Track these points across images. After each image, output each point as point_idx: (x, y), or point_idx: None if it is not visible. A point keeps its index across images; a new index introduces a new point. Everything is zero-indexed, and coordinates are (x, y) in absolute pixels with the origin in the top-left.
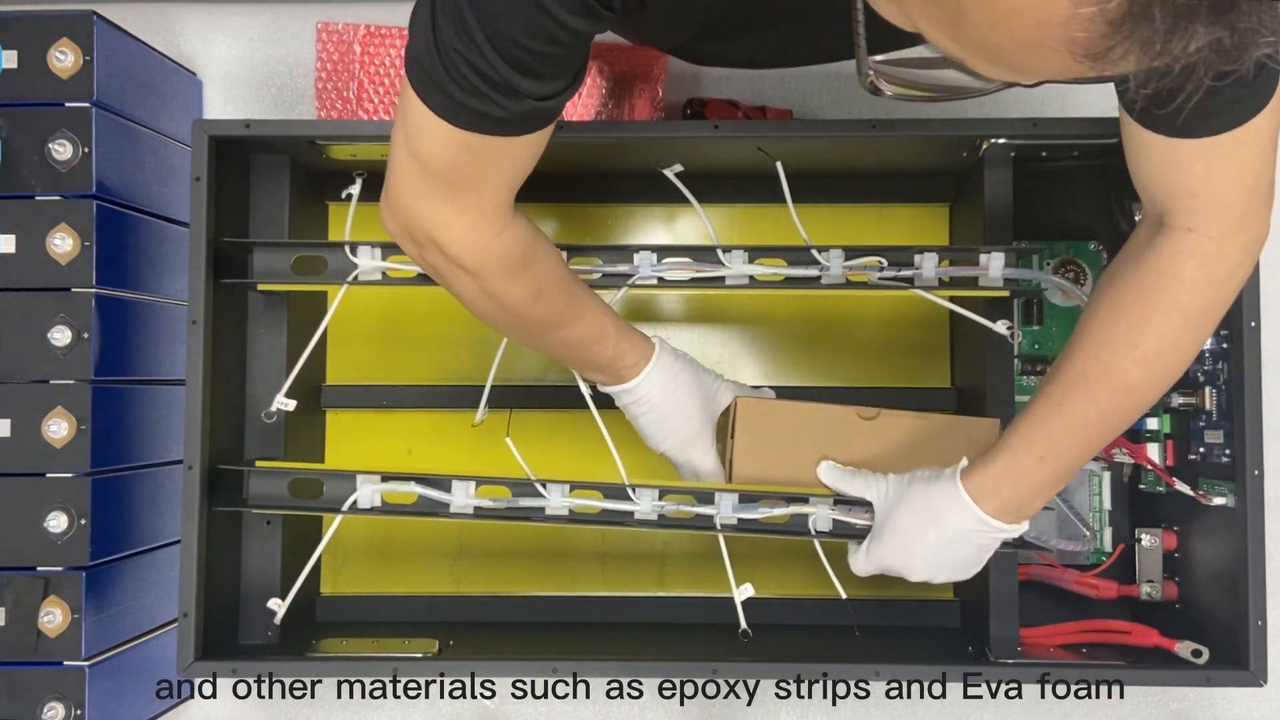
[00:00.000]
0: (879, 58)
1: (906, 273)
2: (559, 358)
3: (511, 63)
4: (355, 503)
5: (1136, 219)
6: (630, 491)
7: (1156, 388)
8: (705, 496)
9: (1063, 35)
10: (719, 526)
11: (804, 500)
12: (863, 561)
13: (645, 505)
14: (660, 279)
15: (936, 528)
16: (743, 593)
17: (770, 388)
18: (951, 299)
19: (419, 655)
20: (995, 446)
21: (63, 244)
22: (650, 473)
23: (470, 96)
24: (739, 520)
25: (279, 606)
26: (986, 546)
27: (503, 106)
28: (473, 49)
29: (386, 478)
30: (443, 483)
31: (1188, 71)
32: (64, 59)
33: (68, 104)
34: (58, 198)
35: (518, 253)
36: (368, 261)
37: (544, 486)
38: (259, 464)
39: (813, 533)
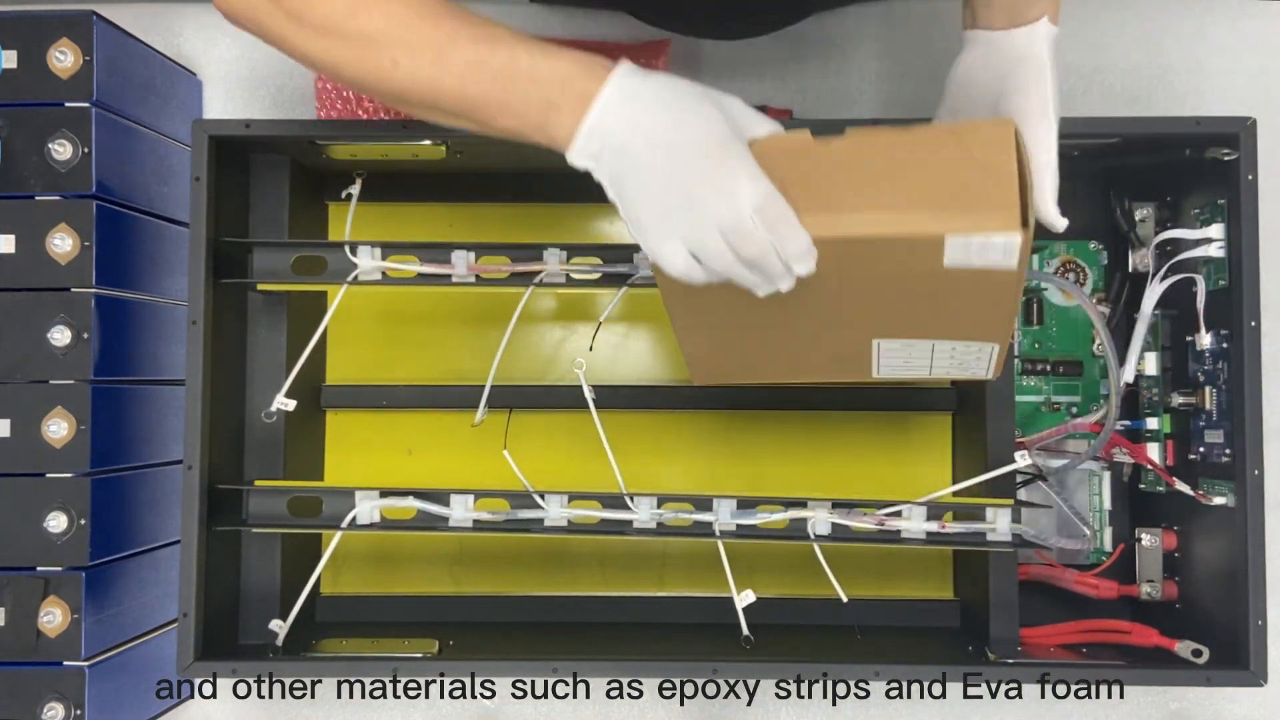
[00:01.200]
0: None
1: None
2: (469, 113)
3: None
4: (354, 519)
5: (1137, 219)
6: (628, 500)
7: None
8: (704, 504)
9: None
10: (718, 534)
11: (802, 505)
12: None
13: (644, 514)
14: None
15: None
16: (744, 599)
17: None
18: None
19: (419, 655)
20: None
21: (62, 244)
22: (650, 477)
23: None
24: (738, 526)
25: (280, 627)
26: None
27: None
28: None
29: (385, 493)
30: (441, 496)
31: None
32: (64, 59)
33: (67, 104)
34: (57, 198)
35: None
36: (368, 261)
37: (542, 498)
38: (258, 483)
39: (812, 537)
